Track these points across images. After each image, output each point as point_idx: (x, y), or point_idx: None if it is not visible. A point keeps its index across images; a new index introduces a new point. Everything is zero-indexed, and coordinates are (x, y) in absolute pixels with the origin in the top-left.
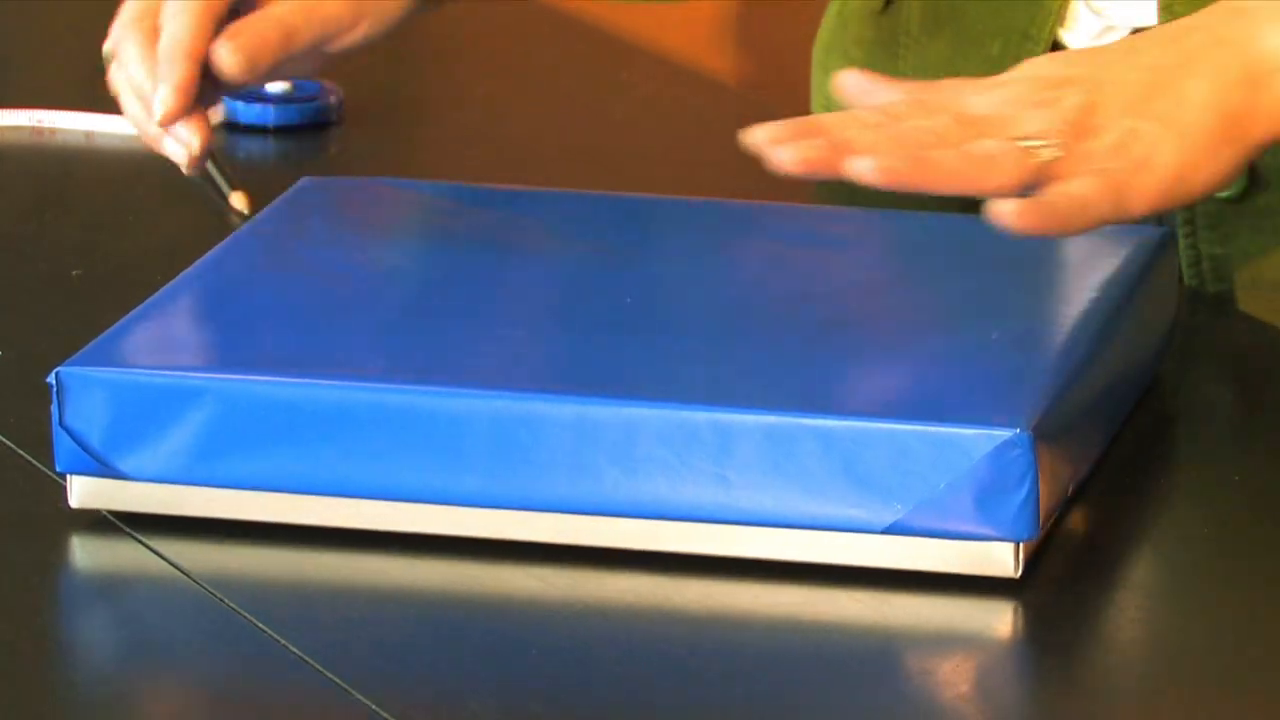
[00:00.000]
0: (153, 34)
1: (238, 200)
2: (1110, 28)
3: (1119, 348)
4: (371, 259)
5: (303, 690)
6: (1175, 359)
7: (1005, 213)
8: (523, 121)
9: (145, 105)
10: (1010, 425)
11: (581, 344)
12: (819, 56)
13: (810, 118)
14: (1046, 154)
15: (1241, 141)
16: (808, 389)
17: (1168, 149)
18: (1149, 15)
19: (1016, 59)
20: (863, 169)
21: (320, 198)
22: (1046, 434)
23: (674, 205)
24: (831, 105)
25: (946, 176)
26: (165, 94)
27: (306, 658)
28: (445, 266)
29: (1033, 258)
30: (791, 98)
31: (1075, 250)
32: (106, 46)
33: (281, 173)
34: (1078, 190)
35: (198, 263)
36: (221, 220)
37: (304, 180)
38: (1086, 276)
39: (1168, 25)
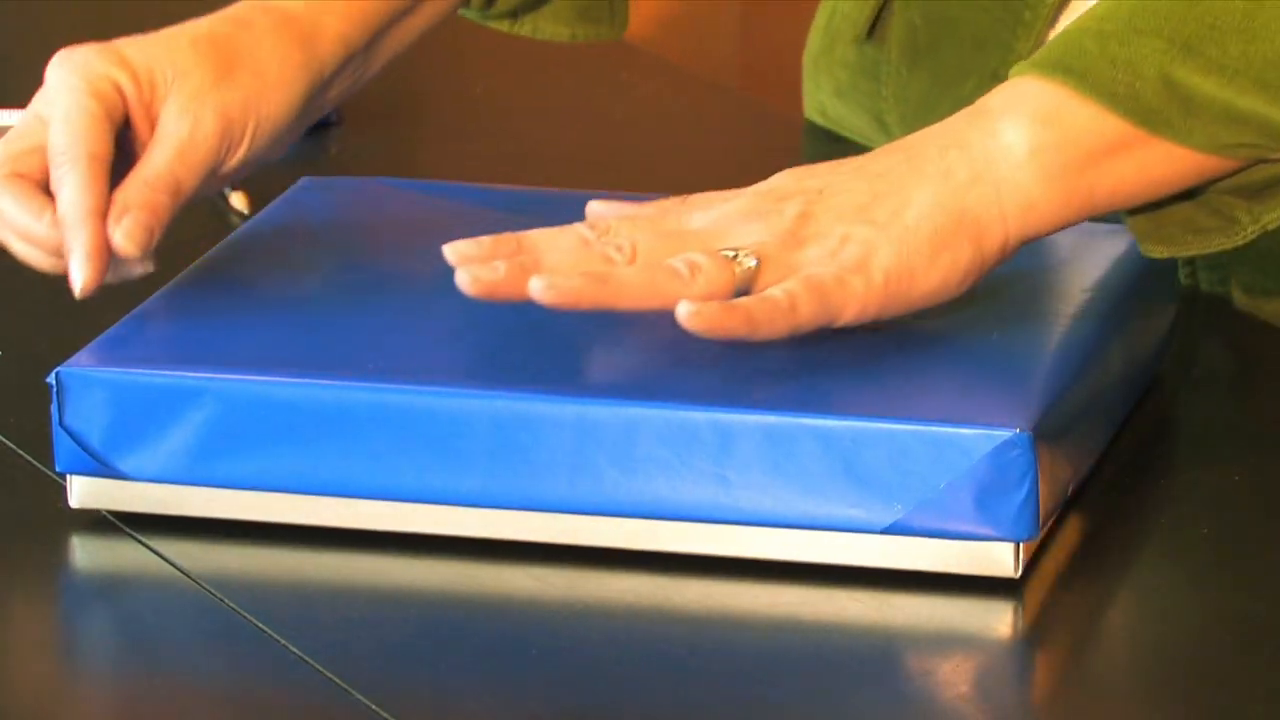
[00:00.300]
0: (23, 181)
1: (238, 200)
2: None
3: (1118, 348)
4: (371, 259)
5: (303, 690)
6: (1175, 359)
7: (679, 313)
8: (523, 121)
9: (40, 247)
10: (1010, 425)
11: (580, 343)
12: (808, 69)
13: (511, 235)
14: (745, 262)
15: (974, 243)
16: (807, 389)
17: (885, 252)
18: None
19: None
20: (538, 289)
21: (319, 198)
22: (1046, 434)
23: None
24: (827, 114)
25: (630, 294)
26: (80, 262)
27: (306, 658)
28: (444, 267)
29: (1033, 259)
30: (792, 98)
31: (1075, 251)
32: None
33: (281, 173)
34: (776, 294)
35: (197, 262)
36: (221, 220)
37: (303, 180)
38: (1086, 277)
39: (910, 135)
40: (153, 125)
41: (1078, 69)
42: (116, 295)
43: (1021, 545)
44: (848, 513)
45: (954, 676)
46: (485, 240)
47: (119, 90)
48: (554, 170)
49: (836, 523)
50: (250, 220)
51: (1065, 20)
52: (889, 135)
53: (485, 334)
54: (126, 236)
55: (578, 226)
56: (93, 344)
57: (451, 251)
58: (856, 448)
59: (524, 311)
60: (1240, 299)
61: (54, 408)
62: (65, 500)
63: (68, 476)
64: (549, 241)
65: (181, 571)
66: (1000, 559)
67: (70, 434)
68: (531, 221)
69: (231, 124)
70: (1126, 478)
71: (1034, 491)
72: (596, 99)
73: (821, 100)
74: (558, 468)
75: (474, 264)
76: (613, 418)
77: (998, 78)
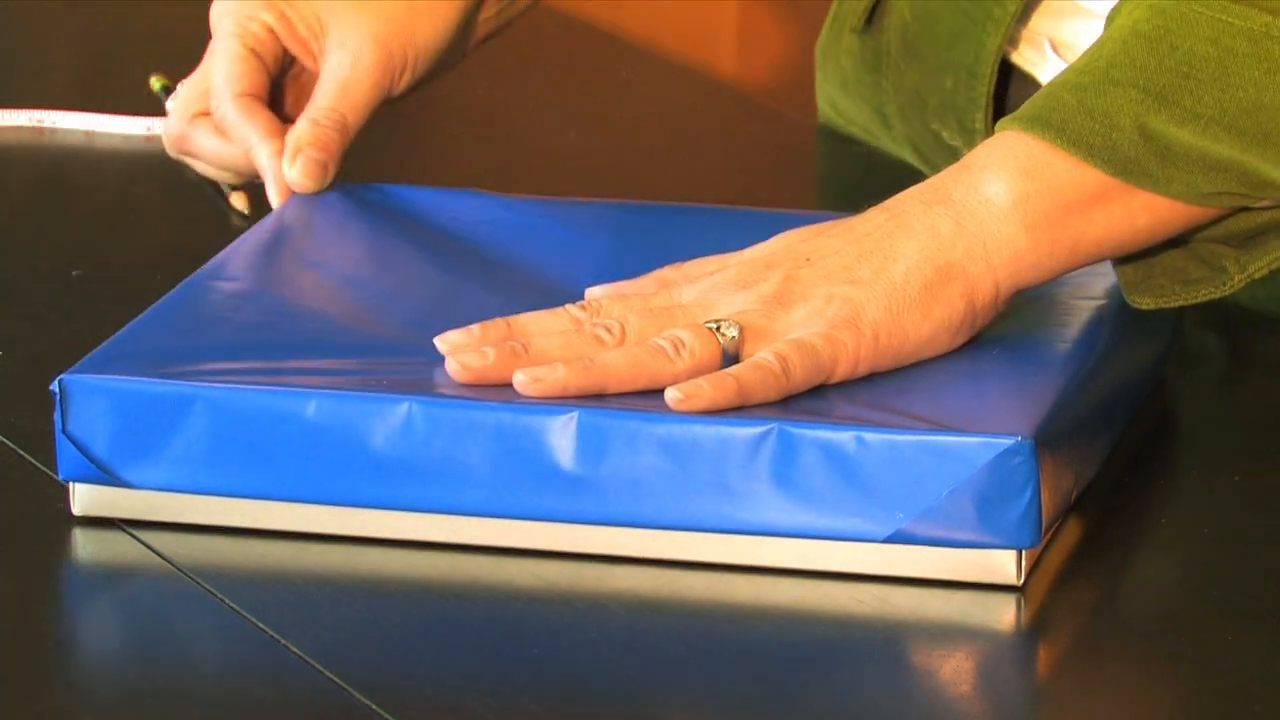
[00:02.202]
0: (207, 119)
1: (238, 200)
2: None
3: (1120, 354)
4: (374, 266)
5: (303, 690)
6: (1176, 362)
7: (669, 399)
8: (523, 121)
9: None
10: (1012, 433)
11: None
12: (819, 59)
13: (501, 320)
14: (728, 332)
15: (966, 296)
16: (809, 399)
17: (872, 308)
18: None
19: (967, 95)
20: (521, 384)
21: (323, 203)
22: (1048, 442)
23: (677, 212)
24: (836, 105)
25: (616, 377)
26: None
27: (306, 658)
28: (448, 273)
29: None
30: (792, 98)
31: None
32: (172, 149)
33: None
34: (767, 357)
35: (200, 269)
36: (221, 220)
37: None
38: (1088, 284)
39: (894, 196)
40: (317, 61)
41: (1055, 122)
42: (117, 295)
43: (1024, 553)
44: (849, 522)
45: (956, 674)
46: (474, 328)
47: (269, 30)
48: (554, 170)
49: (838, 532)
50: (255, 226)
51: (1051, 25)
52: (889, 128)
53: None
54: (303, 174)
55: (569, 308)
56: (96, 351)
57: (442, 343)
58: (858, 457)
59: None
60: (1244, 301)
61: (57, 415)
62: (66, 499)
63: (70, 484)
64: (539, 325)
65: (182, 571)
66: (1003, 567)
67: (73, 442)
68: (534, 229)
69: (391, 56)
70: (1127, 477)
71: (1036, 499)
72: (596, 99)
73: (830, 92)
74: (559, 478)
75: (464, 352)
76: (615, 428)
77: (973, 74)
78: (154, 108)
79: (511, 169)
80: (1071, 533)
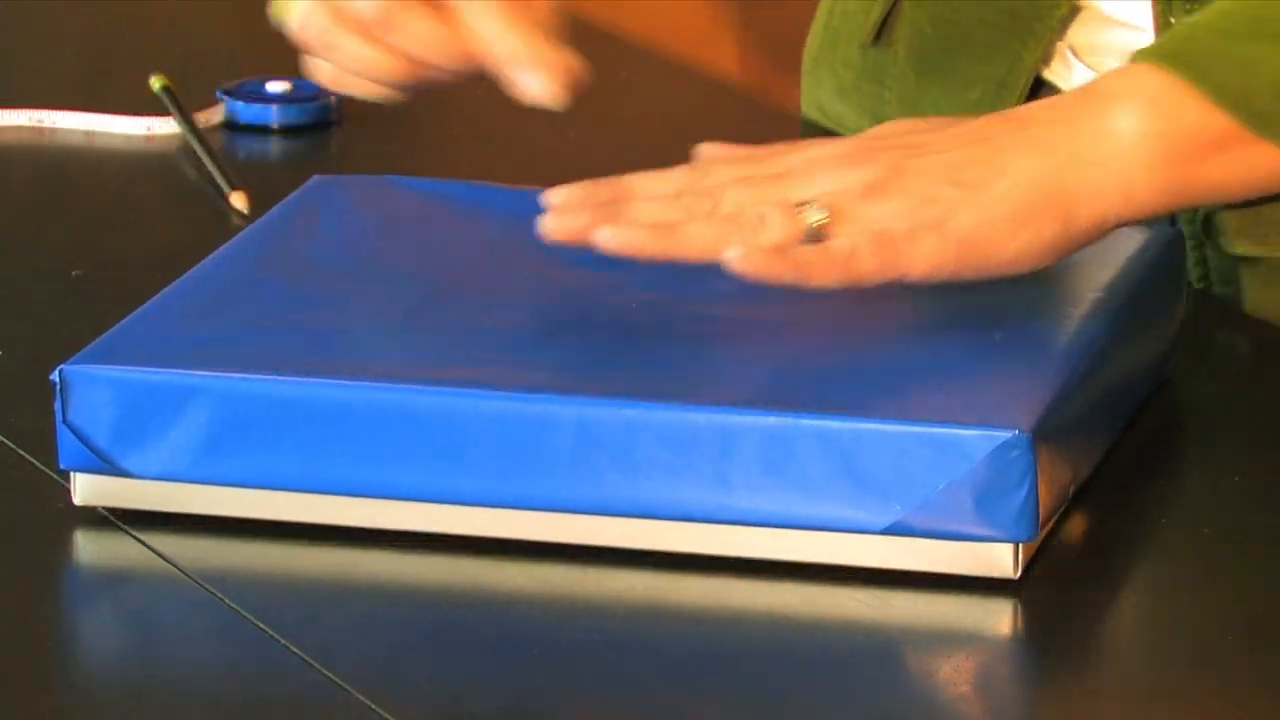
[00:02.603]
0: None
1: (237, 200)
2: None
3: (1123, 350)
4: (379, 258)
5: (303, 690)
6: (1180, 360)
7: (729, 257)
8: (522, 121)
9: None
10: (1010, 426)
11: (583, 345)
12: (808, 67)
13: (610, 180)
14: (814, 214)
15: (1063, 221)
16: (807, 390)
17: (966, 216)
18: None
19: (992, 106)
20: (603, 238)
21: (331, 196)
22: (1047, 435)
23: None
24: (826, 112)
25: (694, 246)
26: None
27: (306, 658)
28: (451, 266)
29: None
30: (792, 96)
31: (1084, 250)
32: (369, 12)
33: (282, 173)
34: (837, 245)
35: (204, 261)
36: (222, 220)
37: (315, 178)
38: (1091, 277)
39: (1020, 106)
40: None
41: (1195, 63)
42: (117, 295)
43: (1021, 546)
44: (847, 513)
45: (954, 675)
46: (584, 184)
47: None
48: (554, 170)
49: (836, 523)
50: (262, 218)
51: (1074, 32)
52: None
53: (487, 334)
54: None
55: (678, 170)
56: (97, 341)
57: (550, 196)
58: (856, 448)
59: (526, 311)
60: (1251, 303)
61: (57, 405)
62: (65, 499)
63: (71, 474)
64: (644, 187)
65: (181, 571)
66: (1000, 560)
67: (74, 431)
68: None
69: None
70: (1128, 476)
71: (1034, 493)
72: (596, 99)
73: (820, 99)
74: (558, 468)
75: (564, 212)
76: (613, 418)
77: (1004, 86)
78: (154, 108)
79: (512, 168)
80: (1072, 532)
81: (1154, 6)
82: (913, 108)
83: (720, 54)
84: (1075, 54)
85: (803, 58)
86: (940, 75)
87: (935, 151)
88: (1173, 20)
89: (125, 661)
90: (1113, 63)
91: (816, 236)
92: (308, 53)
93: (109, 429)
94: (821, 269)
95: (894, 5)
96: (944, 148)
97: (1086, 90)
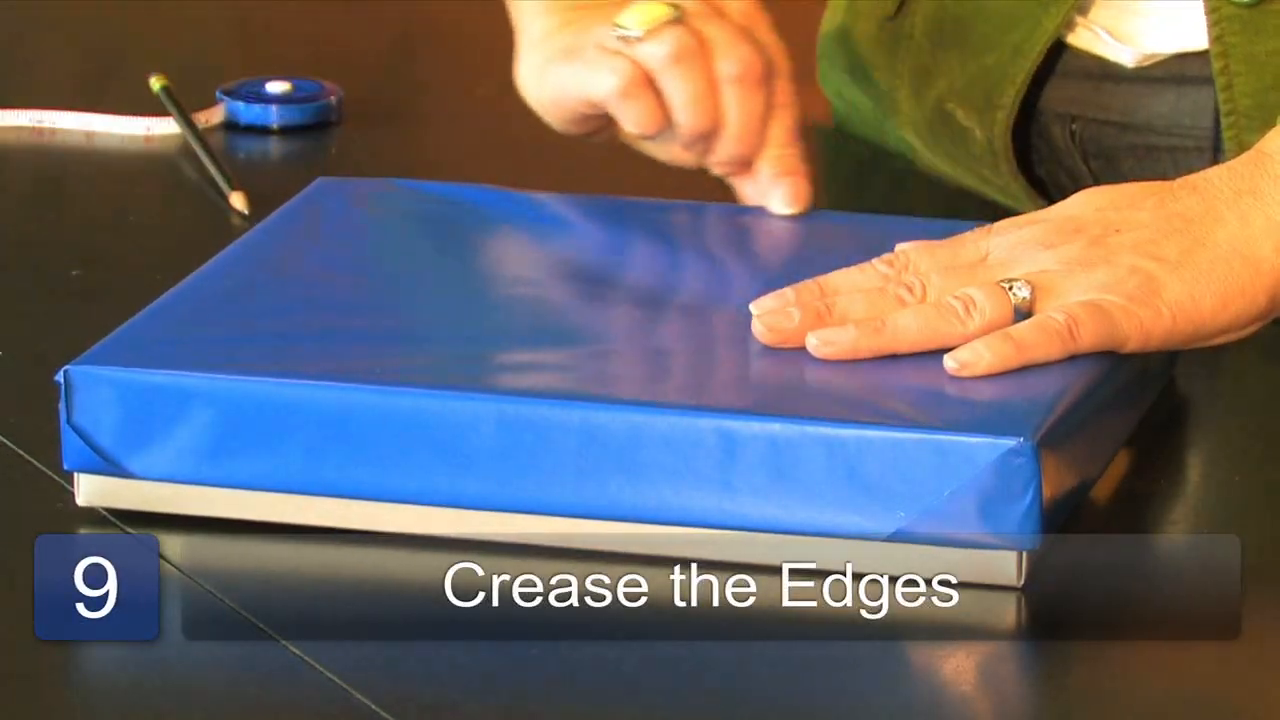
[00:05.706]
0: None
1: (237, 200)
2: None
3: (1129, 357)
4: (382, 261)
5: (303, 690)
6: (1186, 363)
7: (948, 368)
8: (522, 121)
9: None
10: (1014, 434)
11: (588, 349)
12: (824, 47)
13: (813, 281)
14: (1020, 292)
15: (1269, 291)
16: (812, 396)
17: (1175, 289)
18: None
19: (1003, 71)
20: (813, 346)
21: (334, 198)
22: (1051, 443)
23: (682, 210)
24: (843, 92)
25: (907, 338)
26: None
27: (307, 658)
28: (455, 269)
29: None
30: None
31: None
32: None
33: (282, 173)
34: (1055, 317)
35: (209, 263)
36: (222, 220)
37: (319, 180)
38: None
39: (1197, 175)
40: None
41: None
42: (117, 295)
43: (1024, 554)
44: (851, 520)
45: (957, 674)
46: (787, 291)
47: None
48: (554, 170)
49: (840, 530)
50: (265, 220)
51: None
52: (896, 113)
53: (493, 338)
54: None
55: (876, 264)
56: (102, 342)
57: (755, 307)
58: (860, 455)
59: (530, 316)
60: None
61: (62, 406)
62: (65, 500)
63: (75, 474)
64: (848, 282)
65: (181, 571)
66: (1003, 568)
67: (78, 432)
68: (541, 225)
69: None
70: (1134, 476)
71: (1037, 501)
72: None
73: (838, 80)
74: (562, 472)
75: (773, 315)
76: (618, 423)
77: (1018, 51)
78: (154, 108)
79: (512, 168)
80: (1075, 532)
81: None
82: (924, 78)
83: None
84: (1112, 35)
85: (818, 39)
86: (957, 43)
87: (1131, 228)
88: None
89: (124, 661)
90: (1138, 24)
91: (1025, 315)
92: (628, 93)
93: (113, 430)
94: (1044, 345)
95: None
96: (1137, 225)
97: (1257, 154)
